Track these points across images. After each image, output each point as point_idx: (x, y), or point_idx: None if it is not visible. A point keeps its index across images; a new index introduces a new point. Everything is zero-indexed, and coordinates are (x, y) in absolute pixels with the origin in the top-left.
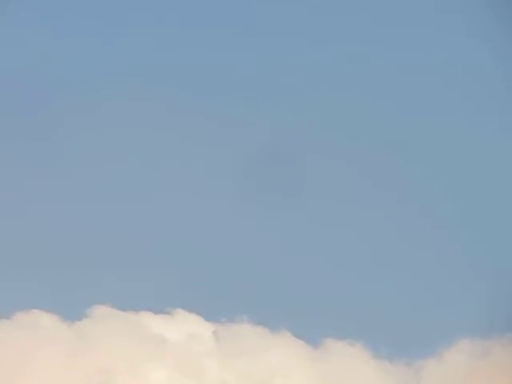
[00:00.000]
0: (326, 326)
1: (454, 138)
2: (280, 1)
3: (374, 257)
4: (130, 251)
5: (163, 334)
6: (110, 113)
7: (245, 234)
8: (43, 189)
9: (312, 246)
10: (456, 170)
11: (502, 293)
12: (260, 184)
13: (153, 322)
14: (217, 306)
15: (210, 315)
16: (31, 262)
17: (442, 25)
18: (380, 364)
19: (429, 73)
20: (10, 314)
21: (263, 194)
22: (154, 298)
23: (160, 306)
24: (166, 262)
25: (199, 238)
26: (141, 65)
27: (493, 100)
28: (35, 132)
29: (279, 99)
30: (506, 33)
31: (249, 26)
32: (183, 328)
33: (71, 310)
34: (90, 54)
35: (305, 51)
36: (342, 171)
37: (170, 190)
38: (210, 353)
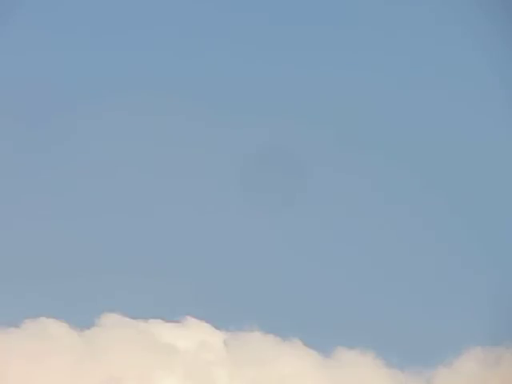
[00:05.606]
0: (337, 334)
1: (453, 145)
2: (281, 8)
3: (385, 266)
4: (139, 259)
5: (173, 342)
6: (112, 121)
7: (255, 243)
8: (52, 198)
9: (324, 255)
10: (458, 178)
11: None
12: (266, 190)
13: (163, 330)
14: (227, 314)
15: (220, 323)
16: (41, 270)
17: (443, 35)
18: (391, 373)
19: (430, 82)
20: (20, 322)
21: (271, 201)
22: (163, 306)
23: (170, 314)
24: (176, 270)
25: (209, 247)
26: (142, 73)
27: (495, 109)
28: (37, 142)
29: (280, 105)
30: (503, 40)
31: (249, 32)
32: (193, 336)
33: (81, 318)
34: (92, 65)
35: (307, 57)
36: (344, 176)
37: (177, 199)
38: (220, 361)
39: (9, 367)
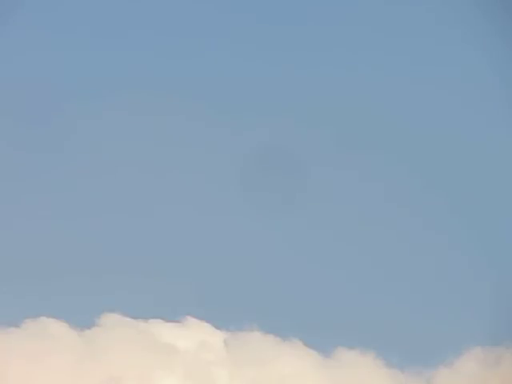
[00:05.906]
0: (337, 334)
1: (453, 145)
2: (281, 8)
3: (385, 267)
4: (139, 259)
5: (173, 342)
6: (112, 121)
7: (255, 243)
8: (52, 198)
9: (324, 255)
10: (458, 178)
11: None
12: (266, 190)
13: (163, 330)
14: (227, 314)
15: (220, 323)
16: (41, 270)
17: (443, 35)
18: (391, 373)
19: (430, 82)
20: (20, 322)
21: (271, 201)
22: (163, 306)
23: (170, 314)
24: (176, 270)
25: (209, 247)
26: (142, 73)
27: (495, 109)
28: (37, 142)
29: (280, 105)
30: (503, 40)
31: (249, 32)
32: (193, 336)
33: (81, 318)
34: (92, 65)
35: (307, 57)
36: (344, 176)
37: (177, 199)
38: (220, 361)
39: (9, 367)
